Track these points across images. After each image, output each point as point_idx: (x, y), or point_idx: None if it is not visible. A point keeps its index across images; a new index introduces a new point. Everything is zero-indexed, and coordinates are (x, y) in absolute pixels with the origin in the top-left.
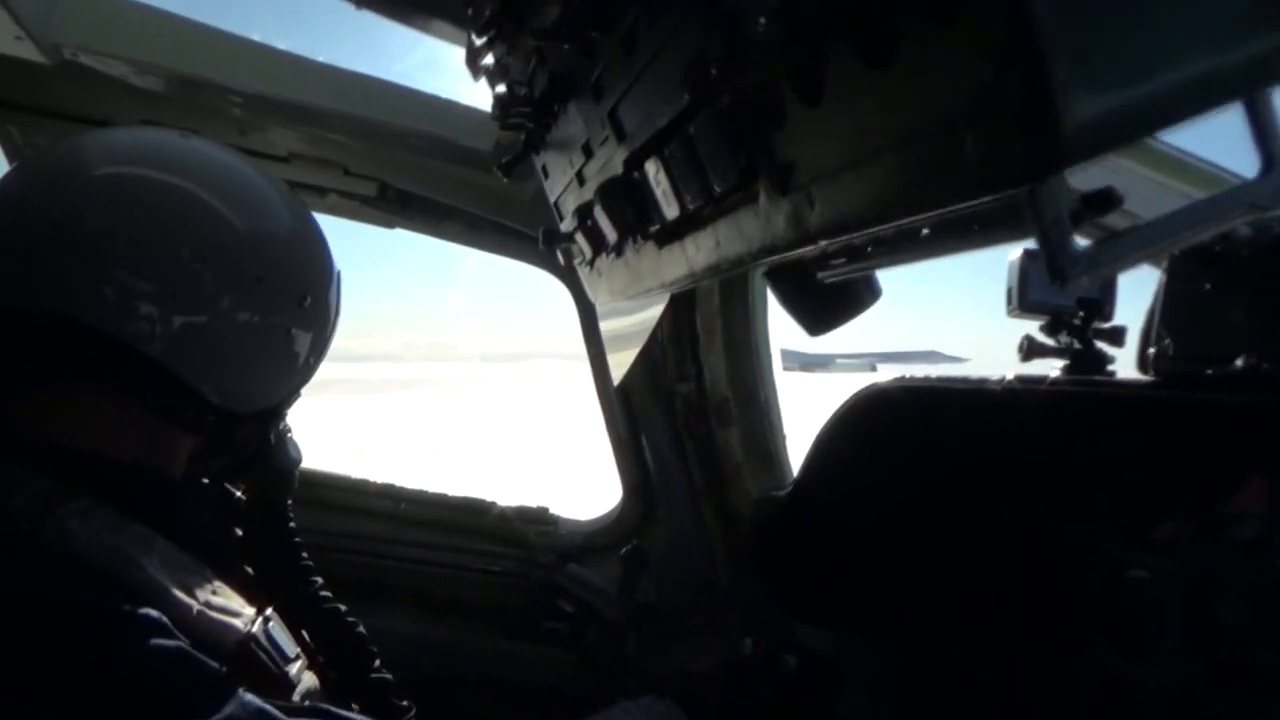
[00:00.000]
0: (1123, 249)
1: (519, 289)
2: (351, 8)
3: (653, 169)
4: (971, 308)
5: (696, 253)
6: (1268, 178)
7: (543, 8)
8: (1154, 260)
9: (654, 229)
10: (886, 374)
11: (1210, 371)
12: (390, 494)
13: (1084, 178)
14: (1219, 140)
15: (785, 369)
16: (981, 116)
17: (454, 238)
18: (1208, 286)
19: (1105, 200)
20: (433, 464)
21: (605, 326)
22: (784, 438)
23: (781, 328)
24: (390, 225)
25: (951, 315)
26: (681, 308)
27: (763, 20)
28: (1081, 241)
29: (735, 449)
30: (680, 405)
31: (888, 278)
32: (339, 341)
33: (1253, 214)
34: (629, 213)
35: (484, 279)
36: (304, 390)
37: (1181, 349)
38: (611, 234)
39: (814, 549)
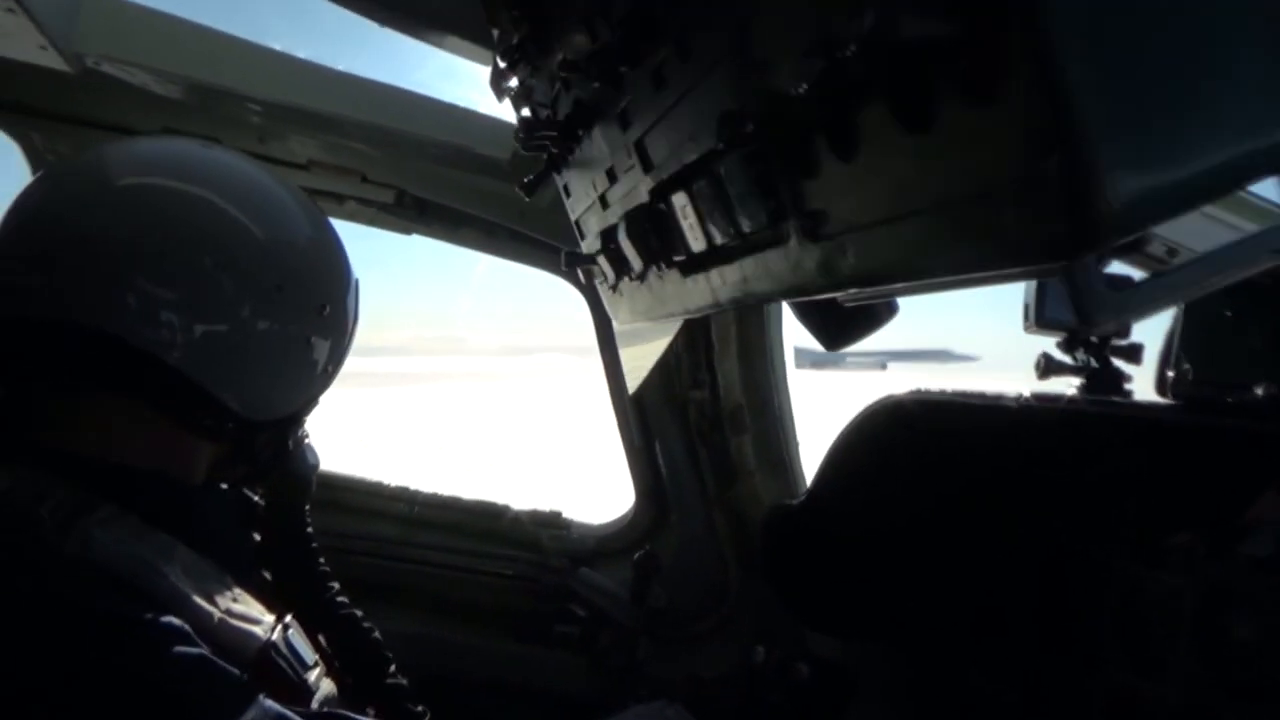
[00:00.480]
0: (1151, 294)
1: (526, 283)
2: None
3: (680, 202)
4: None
5: (722, 285)
6: None
7: (570, 37)
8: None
9: (679, 259)
10: (897, 372)
11: (1230, 399)
12: (405, 497)
13: None
14: None
15: (796, 366)
16: (1021, 192)
17: (471, 244)
18: (1228, 313)
19: (1133, 241)
20: (439, 457)
21: (621, 335)
22: (797, 445)
23: (793, 327)
24: (408, 231)
25: (961, 314)
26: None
27: (804, 86)
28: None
29: (748, 456)
30: (694, 412)
31: None
32: None
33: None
34: (654, 241)
35: (491, 273)
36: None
37: (1200, 374)
38: (636, 262)
39: (827, 558)
